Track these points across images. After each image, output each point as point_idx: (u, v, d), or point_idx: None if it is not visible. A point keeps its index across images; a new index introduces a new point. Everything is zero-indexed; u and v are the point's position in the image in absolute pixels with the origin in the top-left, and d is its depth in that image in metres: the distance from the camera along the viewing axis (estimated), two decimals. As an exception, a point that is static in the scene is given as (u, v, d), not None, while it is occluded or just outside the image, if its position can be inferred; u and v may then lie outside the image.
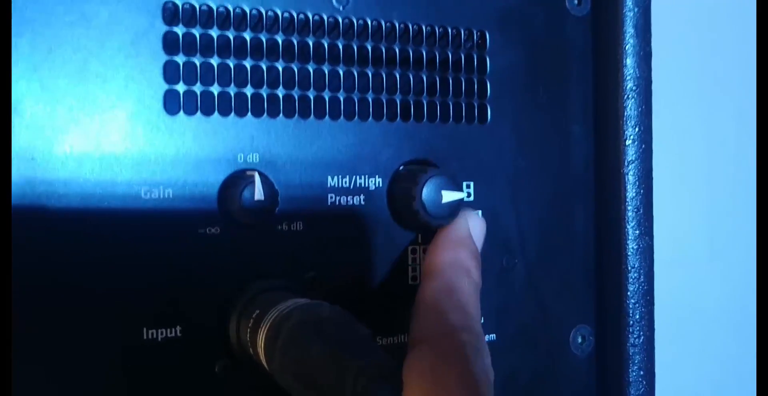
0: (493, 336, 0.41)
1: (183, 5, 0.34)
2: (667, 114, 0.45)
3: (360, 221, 0.37)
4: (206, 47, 0.34)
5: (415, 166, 0.38)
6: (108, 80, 0.32)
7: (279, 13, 0.35)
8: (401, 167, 0.38)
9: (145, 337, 0.33)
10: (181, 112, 0.34)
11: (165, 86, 0.33)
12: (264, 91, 0.35)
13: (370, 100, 0.37)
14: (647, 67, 0.42)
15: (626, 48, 0.42)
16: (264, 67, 0.35)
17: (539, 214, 0.42)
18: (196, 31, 0.34)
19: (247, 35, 0.35)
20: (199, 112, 0.34)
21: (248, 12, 0.35)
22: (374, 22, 0.37)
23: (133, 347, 0.33)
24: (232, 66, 0.34)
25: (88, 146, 0.32)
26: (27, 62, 0.31)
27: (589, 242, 0.43)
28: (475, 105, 0.40)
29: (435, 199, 0.36)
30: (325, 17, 0.36)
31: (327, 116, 0.36)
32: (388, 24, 0.38)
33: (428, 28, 0.39)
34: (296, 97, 0.36)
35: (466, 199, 0.39)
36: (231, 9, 0.34)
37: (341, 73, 0.37)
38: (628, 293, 0.42)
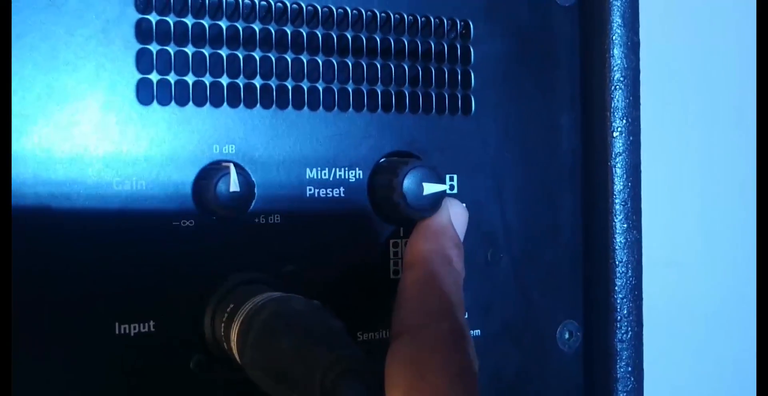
0: (477, 331, 0.40)
1: (156, -8, 0.33)
2: (657, 106, 0.44)
3: (339, 214, 0.36)
4: (181, 36, 0.33)
5: (397, 158, 0.37)
6: (78, 69, 0.32)
7: (256, 1, 0.35)
8: (382, 159, 0.37)
9: (117, 332, 0.32)
10: (155, 102, 0.33)
11: (138, 75, 0.33)
12: (240, 81, 0.34)
13: (350, 90, 0.37)
14: (635, 58, 0.42)
15: (613, 38, 0.41)
16: (241, 57, 0.34)
17: (525, 207, 0.41)
18: (170, 19, 0.33)
19: (223, 24, 0.34)
20: (173, 102, 0.33)
21: (223, 0, 0.34)
22: (354, 11, 0.37)
23: (106, 343, 0.32)
24: (207, 55, 0.34)
25: (57, 137, 0.31)
26: (-6, 50, 0.30)
27: (576, 236, 0.42)
28: (459, 96, 0.39)
29: (416, 191, 0.35)
30: (304, 6, 0.36)
31: (306, 107, 0.36)
32: (368, 13, 0.37)
33: (410, 17, 0.38)
34: (274, 87, 0.35)
35: (449, 191, 0.39)
36: (206, -4, 0.34)
37: (320, 62, 0.36)
38: (616, 288, 0.41)
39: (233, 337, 0.30)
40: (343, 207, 0.36)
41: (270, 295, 0.31)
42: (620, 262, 0.41)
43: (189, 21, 0.33)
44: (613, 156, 0.41)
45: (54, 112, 0.31)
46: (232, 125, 0.34)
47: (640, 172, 0.42)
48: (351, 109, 0.37)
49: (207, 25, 0.34)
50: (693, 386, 0.63)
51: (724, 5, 0.63)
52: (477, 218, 0.39)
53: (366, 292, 0.37)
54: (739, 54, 0.65)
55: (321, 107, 0.36)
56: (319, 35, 0.36)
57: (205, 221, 0.33)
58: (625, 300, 0.42)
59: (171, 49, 0.33)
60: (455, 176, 0.39)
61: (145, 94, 0.33)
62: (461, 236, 0.36)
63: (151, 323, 0.33)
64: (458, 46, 0.39)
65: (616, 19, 0.41)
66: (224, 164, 0.33)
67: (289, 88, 0.35)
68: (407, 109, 0.38)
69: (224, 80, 0.34)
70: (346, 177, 0.36)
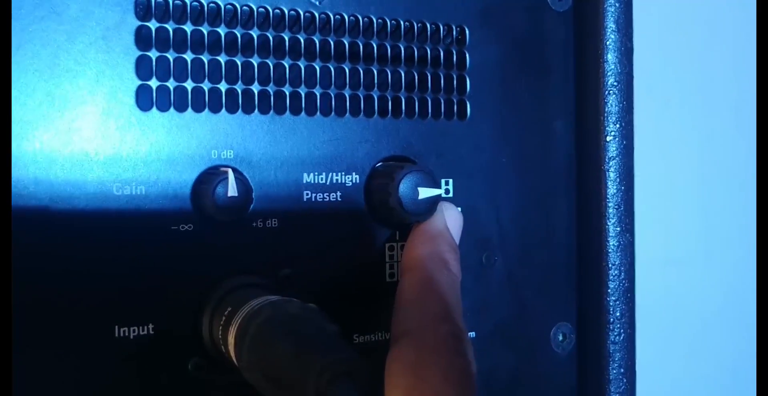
0: (472, 333, 0.40)
1: (156, 0, 0.33)
2: (651, 110, 0.44)
3: (336, 218, 0.37)
4: (180, 42, 0.34)
5: (393, 163, 0.38)
6: (79, 75, 0.32)
7: (254, 8, 0.35)
8: (379, 164, 0.38)
9: (116, 335, 0.33)
10: (154, 108, 0.33)
11: (137, 82, 0.33)
12: (239, 87, 0.35)
13: (347, 96, 0.37)
14: (628, 63, 0.42)
15: (607, 43, 0.41)
16: (239, 63, 0.35)
17: (519, 211, 0.41)
18: (170, 26, 0.34)
19: (222, 30, 0.34)
20: (172, 108, 0.34)
21: (222, 7, 0.34)
22: (351, 18, 0.37)
23: (105, 345, 0.32)
24: (206, 61, 0.34)
25: (58, 142, 0.32)
26: (-5, 57, 0.30)
27: (569, 239, 0.43)
28: (455, 101, 0.40)
29: (412, 195, 0.36)
30: (302, 12, 0.36)
31: (303, 112, 0.36)
32: (365, 19, 0.37)
33: (406, 23, 0.38)
34: (271, 93, 0.35)
35: (444, 195, 0.39)
36: (205, 4, 0.34)
37: (318, 68, 0.36)
38: (609, 290, 0.42)
39: (230, 340, 0.31)
40: (339, 211, 0.37)
41: (267, 299, 0.31)
42: (613, 264, 0.42)
43: (188, 28, 0.34)
44: (607, 160, 0.42)
45: (55, 118, 0.32)
46: (230, 130, 0.35)
47: (633, 175, 0.42)
48: (348, 114, 0.37)
49: (206, 32, 0.34)
50: (686, 388, 0.64)
51: (718, 11, 0.63)
52: (472, 222, 0.40)
53: (362, 295, 0.37)
54: (733, 56, 0.65)
55: (318, 112, 0.36)
56: (317, 41, 0.36)
57: (203, 225, 0.34)
58: (617, 302, 0.42)
59: (170, 55, 0.33)
60: (451, 180, 0.39)
61: (144, 100, 0.33)
62: (456, 240, 0.36)
63: (150, 326, 0.33)
64: (454, 52, 0.40)
65: (610, 25, 0.42)
66: (222, 169, 0.34)
67: (287, 93, 0.36)
68: (403, 114, 0.38)
69: (222, 86, 0.34)
70: (343, 181, 0.37)
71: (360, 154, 0.37)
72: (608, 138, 0.42)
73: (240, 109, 0.35)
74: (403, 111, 0.38)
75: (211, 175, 0.34)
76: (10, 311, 0.30)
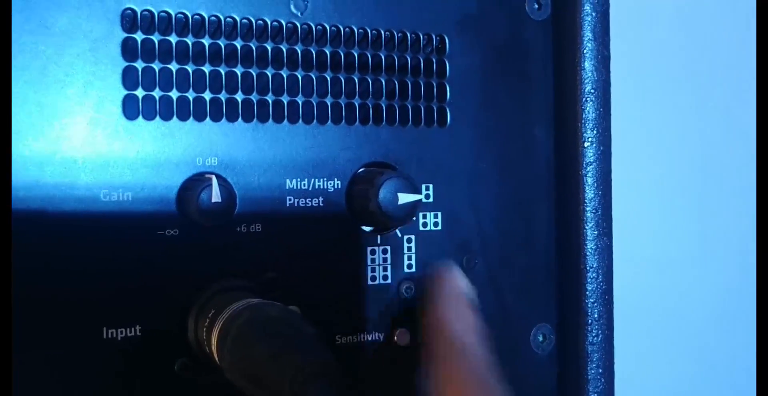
0: (453, 334, 0.41)
1: (142, 12, 0.34)
2: (627, 116, 0.45)
3: (319, 223, 0.38)
4: (165, 53, 0.35)
5: (373, 169, 0.39)
6: (67, 86, 0.33)
7: (237, 19, 0.36)
8: (360, 170, 0.39)
9: (104, 336, 0.34)
10: (140, 117, 0.34)
11: (124, 92, 0.34)
12: (223, 96, 0.36)
13: (329, 103, 0.38)
14: (605, 71, 0.43)
15: (584, 52, 0.43)
16: (223, 73, 0.36)
17: (500, 215, 0.43)
18: (155, 38, 0.35)
19: (206, 41, 0.36)
20: (158, 117, 0.35)
21: (207, 18, 0.36)
22: (333, 28, 0.38)
23: (93, 346, 0.34)
24: (190, 71, 0.35)
25: (48, 151, 0.33)
26: (-14, 69, 0.32)
27: (549, 242, 0.44)
28: (435, 108, 0.41)
29: (392, 200, 0.37)
30: (284, 23, 0.37)
31: (285, 120, 0.37)
32: (346, 29, 0.39)
33: (387, 32, 0.39)
34: (255, 102, 0.37)
35: (425, 200, 0.40)
36: (190, 15, 0.35)
37: (300, 77, 0.37)
38: (587, 292, 0.43)
39: (213, 341, 0.32)
40: (322, 216, 0.38)
41: (248, 302, 0.32)
42: (591, 267, 0.43)
43: (173, 39, 0.35)
44: (585, 165, 0.43)
45: (44, 128, 0.33)
46: (214, 138, 0.36)
47: (610, 180, 0.44)
48: (329, 121, 0.38)
49: (190, 43, 0.35)
50: (666, 388, 0.65)
51: (695, 18, 0.64)
52: (453, 226, 0.41)
53: (344, 297, 0.39)
54: (710, 62, 0.66)
55: (300, 120, 0.37)
56: (299, 51, 0.37)
57: (188, 230, 0.35)
58: (596, 304, 0.43)
59: (156, 66, 0.35)
60: (431, 186, 0.41)
61: (131, 109, 0.34)
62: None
63: (138, 328, 0.34)
64: (434, 60, 0.41)
65: (587, 34, 0.43)
66: (207, 176, 0.35)
67: (270, 102, 0.37)
68: (384, 122, 0.39)
69: (207, 95, 0.36)
70: (325, 187, 0.38)
71: (342, 161, 0.38)
72: (586, 144, 0.43)
73: (224, 118, 0.36)
74: (384, 118, 0.39)
75: (196, 182, 0.35)
76: (10, 315, 0.31)
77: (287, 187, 0.37)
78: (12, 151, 0.32)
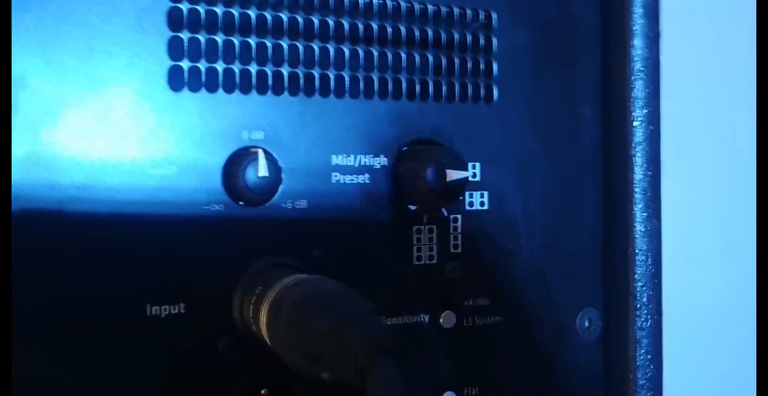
0: (499, 317, 0.40)
1: (188, -18, 0.34)
2: (678, 96, 0.44)
3: (364, 200, 0.37)
4: (211, 24, 0.34)
5: (421, 146, 0.38)
6: (113, 56, 0.32)
7: (284, -10, 0.35)
8: (406, 147, 0.38)
9: (148, 313, 0.33)
10: (186, 88, 0.34)
11: (169, 62, 0.33)
12: (269, 69, 0.35)
13: (376, 79, 0.37)
14: (656, 48, 0.42)
15: (634, 29, 0.42)
16: (269, 45, 0.35)
17: (546, 196, 0.42)
18: (201, 8, 0.34)
19: (252, 13, 0.35)
20: (203, 89, 0.34)
21: (253, -11, 0.35)
22: (380, 1, 0.37)
23: (137, 324, 0.33)
24: (236, 43, 0.34)
25: (93, 122, 0.32)
26: (31, 38, 0.31)
27: (596, 225, 0.43)
28: (482, 85, 0.40)
29: (439, 178, 0.36)
30: (331, -4, 0.36)
31: (332, 94, 0.36)
32: (394, 3, 0.38)
33: (434, 7, 0.39)
34: (301, 75, 0.36)
35: (471, 179, 0.39)
36: (236, -14, 0.34)
37: (347, 51, 0.37)
38: (636, 276, 0.42)
39: (262, 318, 0.31)
40: (367, 193, 0.37)
41: (299, 277, 0.31)
42: (640, 250, 0.42)
43: (219, 10, 0.34)
44: (634, 145, 0.42)
45: (90, 99, 0.32)
46: (260, 112, 0.35)
47: (659, 161, 0.42)
48: (376, 96, 0.37)
49: (236, 14, 0.34)
50: (712, 376, 0.64)
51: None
52: (499, 207, 0.40)
53: (389, 276, 0.38)
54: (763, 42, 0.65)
55: (347, 95, 0.37)
56: (345, 24, 0.37)
57: (233, 205, 0.34)
58: (644, 288, 0.42)
59: (201, 37, 0.34)
60: (478, 164, 0.40)
61: (176, 80, 0.33)
62: None
63: (182, 305, 0.33)
64: (481, 37, 0.40)
65: (638, 10, 0.42)
66: (252, 150, 0.34)
67: (316, 75, 0.36)
68: (431, 98, 0.38)
69: (253, 68, 0.35)
70: (371, 164, 0.37)
71: (388, 137, 0.37)
72: (635, 123, 0.42)
73: (270, 91, 0.35)
74: (431, 94, 0.38)
75: (242, 156, 0.34)
76: (38, 290, 0.30)
77: (333, 164, 0.36)
78: (60, 124, 0.31)
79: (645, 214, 0.42)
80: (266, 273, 0.33)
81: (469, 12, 0.39)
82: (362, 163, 0.37)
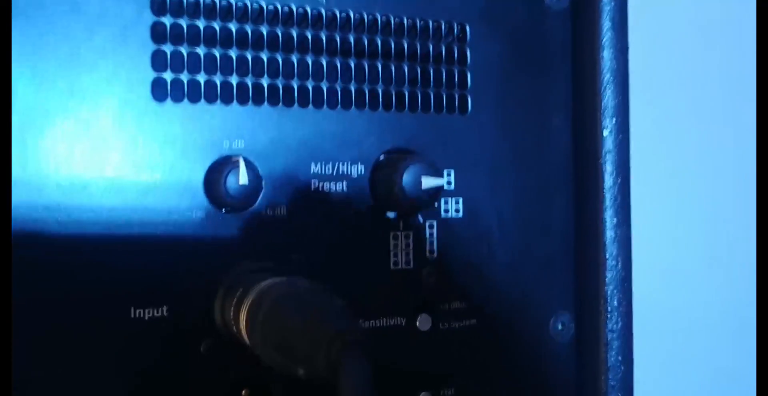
0: (473, 320, 0.42)
1: (171, -4, 0.35)
2: (647, 105, 0.46)
3: (342, 207, 0.38)
4: (193, 37, 0.35)
5: (396, 154, 0.39)
6: (98, 68, 0.34)
7: (264, 5, 0.37)
8: (383, 155, 0.39)
9: (132, 316, 0.34)
10: (169, 99, 0.35)
11: (153, 74, 0.35)
12: (249, 80, 0.36)
13: (353, 90, 0.38)
14: (624, 60, 0.44)
15: (603, 41, 0.43)
16: (249, 57, 0.36)
17: (519, 203, 0.43)
18: (184, 22, 0.35)
19: (233, 26, 0.36)
20: (186, 100, 0.35)
21: (234, 4, 0.36)
22: (357, 15, 0.39)
23: (121, 326, 0.34)
24: (218, 55, 0.36)
25: (78, 130, 0.33)
26: (17, 48, 0.32)
27: (568, 230, 0.44)
28: (456, 95, 0.41)
29: (415, 184, 0.37)
30: (309, 10, 0.38)
31: (311, 105, 0.38)
32: (370, 16, 0.39)
33: (410, 20, 0.40)
34: (280, 86, 0.37)
35: (446, 186, 0.41)
36: (217, 1, 0.36)
37: (324, 63, 0.38)
38: (606, 280, 0.43)
39: (242, 318, 0.32)
40: (346, 200, 0.38)
41: (277, 279, 0.32)
42: (611, 255, 0.43)
43: (201, 23, 0.35)
44: (604, 153, 0.43)
45: (75, 108, 0.33)
46: (241, 122, 0.36)
47: (629, 169, 0.44)
48: (353, 107, 0.39)
49: (218, 27, 0.36)
50: (682, 378, 0.65)
51: (715, 8, 0.65)
52: (474, 213, 0.41)
53: (366, 281, 0.39)
54: (731, 53, 0.67)
55: (325, 105, 0.38)
56: (324, 38, 0.38)
57: (215, 212, 0.35)
58: (615, 291, 0.43)
59: (184, 49, 0.35)
60: (452, 171, 0.41)
61: (159, 91, 0.35)
62: None
63: (165, 308, 0.35)
64: (455, 48, 0.41)
65: (606, 23, 0.43)
66: (234, 158, 0.35)
67: (295, 87, 0.37)
68: (407, 108, 0.40)
69: (234, 79, 0.36)
70: (349, 172, 0.38)
71: (365, 146, 0.39)
72: (605, 132, 0.43)
73: (250, 101, 0.36)
74: (407, 105, 0.40)
75: (223, 164, 0.35)
76: (21, 293, 0.31)
77: (312, 172, 0.38)
78: (44, 132, 0.33)
79: (615, 220, 0.43)
80: (246, 276, 0.35)
81: (443, 24, 0.41)
82: (340, 171, 0.38)
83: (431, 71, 0.40)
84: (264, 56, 0.37)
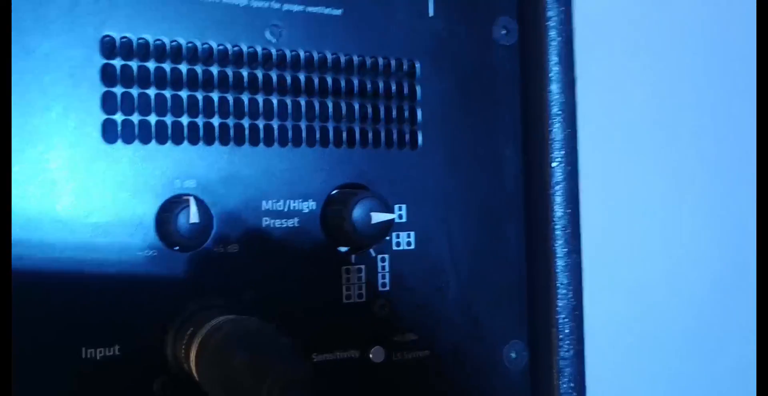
0: (427, 352, 0.42)
1: (121, 39, 0.35)
2: (595, 136, 0.47)
3: (294, 243, 0.39)
4: (143, 79, 0.36)
5: (347, 190, 0.40)
6: (48, 110, 0.34)
7: (214, 46, 0.37)
8: (334, 191, 0.40)
9: (83, 356, 0.34)
10: (120, 140, 0.35)
11: (103, 116, 0.35)
12: (200, 120, 0.37)
13: (303, 127, 0.39)
14: (572, 93, 0.45)
15: (551, 75, 0.44)
16: (200, 97, 0.37)
17: (471, 234, 0.44)
18: (134, 64, 0.36)
19: (183, 67, 0.37)
20: (136, 141, 0.36)
21: (184, 45, 0.37)
22: (307, 54, 0.39)
23: (72, 366, 0.34)
24: (168, 96, 0.36)
25: (29, 173, 0.34)
26: (-32, 95, 0.33)
27: (520, 260, 0.45)
28: (406, 131, 0.42)
29: (365, 220, 0.38)
30: (259, 49, 0.38)
31: (261, 143, 0.38)
32: (320, 55, 0.40)
33: (359, 58, 0.41)
34: (231, 125, 0.38)
35: (397, 220, 0.41)
36: (167, 42, 0.36)
37: (275, 102, 0.39)
38: (558, 308, 0.44)
39: (192, 357, 0.32)
40: (297, 236, 0.39)
41: (227, 318, 0.33)
42: (562, 284, 0.44)
43: (151, 65, 0.36)
44: (553, 184, 0.44)
45: (26, 150, 0.34)
46: (192, 161, 0.37)
47: (578, 199, 0.45)
48: (304, 144, 0.39)
49: (168, 69, 0.36)
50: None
51: (659, 39, 0.67)
52: (426, 245, 0.42)
53: (320, 315, 0.39)
54: (678, 82, 0.69)
55: (276, 143, 0.39)
56: (274, 77, 0.39)
57: (167, 251, 0.36)
58: (567, 320, 0.44)
59: (134, 91, 0.36)
60: (404, 206, 0.42)
61: (110, 133, 0.35)
62: None
63: (117, 347, 0.35)
64: (405, 85, 0.42)
65: (553, 58, 0.44)
66: (185, 197, 0.36)
67: (246, 125, 0.38)
68: (357, 144, 0.40)
69: (184, 119, 0.37)
70: (300, 208, 0.39)
71: (316, 182, 0.39)
72: (554, 164, 0.44)
73: (201, 141, 0.37)
74: (357, 141, 0.40)
75: (174, 203, 0.36)
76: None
77: (263, 209, 0.38)
78: (-7, 175, 0.33)
79: (566, 249, 0.44)
80: (198, 314, 0.35)
81: (392, 61, 0.42)
82: (291, 208, 0.39)
83: (381, 108, 0.41)
84: (214, 96, 0.37)
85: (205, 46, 0.37)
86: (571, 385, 0.44)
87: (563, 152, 0.44)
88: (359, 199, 0.38)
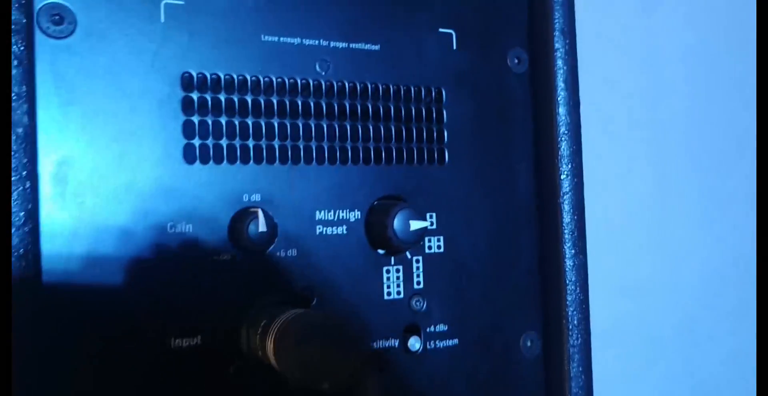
0: (456, 340, 0.49)
1: (197, 75, 0.42)
2: (597, 151, 0.53)
3: (343, 247, 0.45)
4: (216, 108, 0.42)
5: (387, 201, 0.46)
6: (139, 137, 0.40)
7: (274, 78, 0.44)
8: (375, 202, 0.46)
9: (172, 345, 0.40)
10: (197, 161, 0.42)
11: (184, 141, 0.41)
12: (263, 143, 0.43)
13: (349, 147, 0.46)
14: (576, 114, 0.51)
15: (558, 99, 0.51)
16: (263, 123, 0.43)
17: (491, 238, 0.50)
18: (208, 96, 0.42)
19: (249, 97, 0.43)
20: (211, 161, 0.42)
21: (249, 78, 0.43)
22: (350, 84, 0.46)
23: (162, 354, 0.40)
24: (237, 123, 0.42)
25: (124, 190, 0.40)
26: (76, 126, 0.39)
27: (533, 261, 0.52)
28: (435, 149, 0.48)
29: (404, 227, 0.44)
30: (311, 81, 0.45)
31: (314, 162, 0.45)
32: (361, 84, 0.46)
33: (395, 87, 0.47)
34: (289, 147, 0.44)
35: (429, 227, 0.48)
36: (235, 77, 0.43)
37: (325, 126, 0.45)
38: (567, 302, 0.50)
39: (269, 346, 0.39)
40: (345, 241, 0.45)
41: (296, 311, 0.39)
42: (570, 281, 0.51)
43: (222, 96, 0.42)
44: (562, 195, 0.51)
45: (121, 172, 0.40)
46: (257, 178, 0.43)
47: (584, 207, 0.51)
48: (349, 162, 0.46)
49: (236, 99, 0.43)
50: (634, 384, 0.73)
51: (650, 68, 0.73)
52: (453, 248, 0.48)
53: (365, 310, 0.46)
54: (666, 107, 0.75)
55: (326, 162, 0.45)
56: (323, 104, 0.45)
57: (238, 255, 0.42)
58: (575, 312, 0.51)
59: (209, 119, 0.42)
60: (434, 214, 0.48)
61: (189, 155, 0.41)
62: None
63: (199, 338, 0.41)
64: (433, 109, 0.48)
65: (560, 84, 0.51)
66: (252, 209, 0.42)
67: (301, 147, 0.44)
68: (394, 161, 0.47)
69: (250, 143, 0.43)
70: (348, 217, 0.45)
71: (360, 195, 0.46)
72: (562, 176, 0.51)
73: (264, 161, 0.43)
74: (394, 158, 0.47)
75: (245, 215, 0.42)
76: (78, 327, 0.38)
77: (317, 218, 0.44)
78: (99, 191, 0.39)
79: (573, 251, 0.51)
80: (267, 309, 0.41)
81: (422, 89, 0.48)
82: (340, 217, 0.45)
83: (414, 129, 0.48)
84: (275, 122, 0.44)
85: (266, 79, 0.43)
86: (580, 369, 0.51)
87: (570, 166, 0.51)
88: (399, 209, 0.44)
